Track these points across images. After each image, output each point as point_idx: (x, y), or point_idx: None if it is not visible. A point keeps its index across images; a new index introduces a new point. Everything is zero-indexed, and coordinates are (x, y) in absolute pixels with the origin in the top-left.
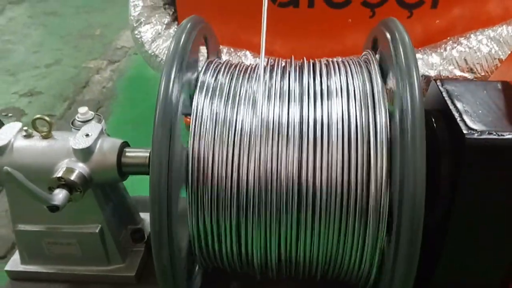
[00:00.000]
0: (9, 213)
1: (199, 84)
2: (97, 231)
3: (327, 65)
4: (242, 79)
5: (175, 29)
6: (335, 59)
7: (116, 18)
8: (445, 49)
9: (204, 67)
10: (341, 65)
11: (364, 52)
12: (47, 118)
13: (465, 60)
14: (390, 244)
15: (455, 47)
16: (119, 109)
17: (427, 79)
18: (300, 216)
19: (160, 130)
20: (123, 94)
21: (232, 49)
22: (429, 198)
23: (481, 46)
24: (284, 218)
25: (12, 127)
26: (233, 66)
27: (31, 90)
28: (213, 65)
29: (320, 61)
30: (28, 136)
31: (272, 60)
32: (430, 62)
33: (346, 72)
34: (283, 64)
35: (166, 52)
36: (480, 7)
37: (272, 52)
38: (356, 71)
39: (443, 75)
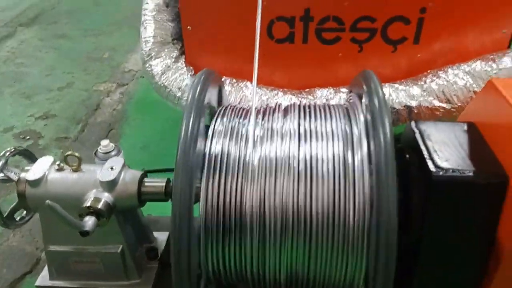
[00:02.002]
0: (33, 232)
1: (212, 127)
2: (118, 251)
3: (319, 109)
4: (247, 121)
5: (183, 62)
6: (326, 104)
7: (123, 41)
8: (425, 82)
9: (217, 113)
10: (330, 109)
11: (349, 96)
12: (77, 154)
13: (443, 92)
14: (370, 262)
15: (434, 80)
16: (129, 131)
17: (409, 109)
18: (293, 239)
19: (180, 172)
20: (133, 116)
21: (234, 80)
22: (404, 221)
23: (458, 79)
24: (281, 241)
25: (45, 161)
26: (238, 110)
27: (46, 113)
28: (223, 111)
29: (312, 105)
30: (60, 169)
31: (271, 104)
32: (411, 94)
33: (335, 115)
34: (282, 107)
35: (174, 83)
36: (459, 42)
37: (271, 82)
38: (342, 115)
39: (424, 105)
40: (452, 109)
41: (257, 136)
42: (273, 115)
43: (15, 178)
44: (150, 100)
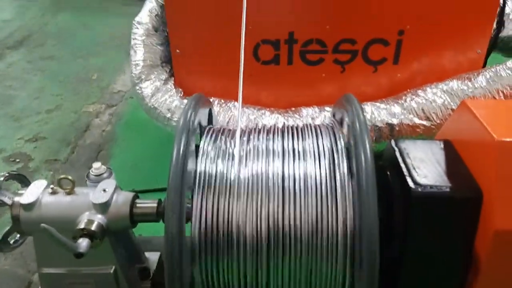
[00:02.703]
0: (24, 255)
1: (201, 148)
2: (111, 271)
3: (303, 129)
4: (234, 141)
5: (172, 84)
6: (311, 124)
7: (110, 62)
8: (405, 100)
9: (206, 135)
10: (314, 130)
11: (331, 119)
12: (70, 177)
13: (422, 110)
14: (355, 274)
15: (414, 98)
16: (119, 152)
17: (391, 127)
18: (283, 255)
19: (173, 193)
20: (122, 137)
21: (222, 100)
22: (386, 234)
23: (436, 98)
24: (268, 257)
25: (38, 185)
26: (225, 131)
27: (36, 136)
28: (212, 132)
29: (297, 125)
30: (53, 192)
31: (258, 124)
32: (392, 112)
33: (318, 136)
34: (267, 128)
35: (164, 105)
36: (436, 62)
37: (258, 102)
38: (325, 136)
39: (405, 123)
40: (432, 126)
41: (244, 155)
42: (259, 135)
43: (9, 202)
44: (139, 120)
